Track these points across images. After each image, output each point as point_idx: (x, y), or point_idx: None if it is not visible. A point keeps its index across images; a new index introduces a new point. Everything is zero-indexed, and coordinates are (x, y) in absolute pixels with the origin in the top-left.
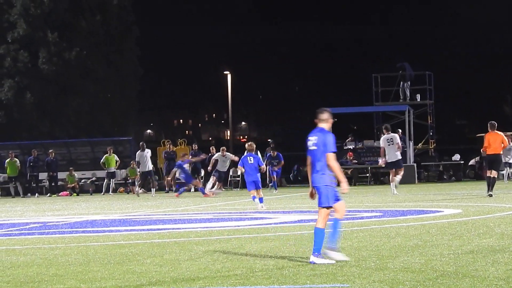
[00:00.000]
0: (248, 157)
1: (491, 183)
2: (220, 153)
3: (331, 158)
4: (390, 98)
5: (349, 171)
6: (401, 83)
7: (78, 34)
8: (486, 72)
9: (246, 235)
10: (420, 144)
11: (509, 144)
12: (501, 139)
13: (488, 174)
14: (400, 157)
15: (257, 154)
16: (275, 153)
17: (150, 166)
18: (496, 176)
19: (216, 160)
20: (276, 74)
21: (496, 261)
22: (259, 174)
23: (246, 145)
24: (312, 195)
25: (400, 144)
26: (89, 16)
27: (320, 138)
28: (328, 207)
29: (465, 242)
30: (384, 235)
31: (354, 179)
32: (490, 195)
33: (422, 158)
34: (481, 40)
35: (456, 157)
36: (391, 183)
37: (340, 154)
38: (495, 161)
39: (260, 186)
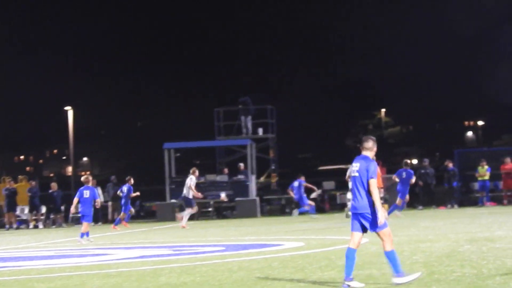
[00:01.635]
0: (84, 190)
1: None
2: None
3: (373, 184)
4: (232, 132)
5: None
6: (243, 117)
7: None
8: (328, 106)
9: (87, 272)
10: (262, 177)
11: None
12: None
13: None
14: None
15: (95, 187)
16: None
17: None
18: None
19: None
20: (119, 110)
21: None
22: (92, 208)
23: (82, 178)
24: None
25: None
26: None
27: (363, 165)
28: (386, 228)
29: (307, 275)
30: (226, 270)
31: (197, 213)
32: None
33: (265, 191)
34: (324, 74)
35: None
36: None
37: (183, 189)
38: None
39: (91, 220)
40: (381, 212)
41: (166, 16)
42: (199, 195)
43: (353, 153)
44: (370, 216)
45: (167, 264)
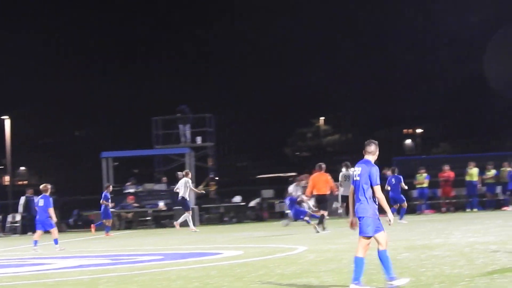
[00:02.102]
0: (40, 199)
1: (319, 221)
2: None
3: (377, 190)
4: (171, 141)
5: (129, 215)
6: (181, 126)
7: None
8: (266, 114)
9: (25, 282)
10: (201, 186)
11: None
12: (326, 179)
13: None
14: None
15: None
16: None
17: None
18: (324, 215)
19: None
20: (56, 120)
21: None
22: (48, 217)
23: (41, 186)
24: (352, 225)
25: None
26: None
27: (364, 169)
28: (368, 237)
29: (245, 284)
30: (165, 279)
31: (135, 222)
32: (317, 232)
33: (203, 200)
34: (262, 83)
35: (237, 198)
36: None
37: (121, 198)
38: (321, 201)
39: (45, 228)
40: (391, 214)
41: (100, 24)
42: (200, 191)
43: (291, 161)
44: (366, 221)
45: (105, 274)
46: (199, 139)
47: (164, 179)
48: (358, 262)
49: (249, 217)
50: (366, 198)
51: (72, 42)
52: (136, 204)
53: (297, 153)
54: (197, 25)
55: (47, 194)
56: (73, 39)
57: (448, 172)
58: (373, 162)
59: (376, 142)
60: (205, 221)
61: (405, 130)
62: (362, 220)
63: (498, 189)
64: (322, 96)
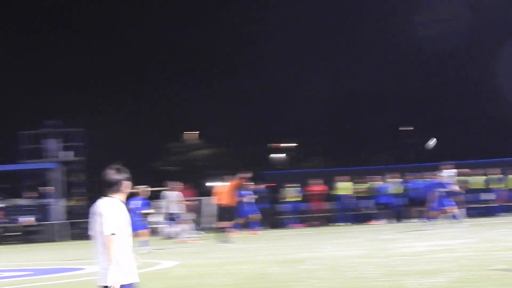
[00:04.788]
0: (134, 201)
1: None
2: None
3: None
4: (40, 156)
5: None
6: (51, 140)
7: None
8: (137, 128)
9: None
10: (71, 201)
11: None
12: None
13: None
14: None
15: None
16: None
17: None
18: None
19: None
20: None
21: None
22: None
23: (137, 190)
24: None
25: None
26: None
27: None
28: None
29: None
30: None
31: (3, 238)
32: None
33: (74, 215)
34: (131, 97)
35: None
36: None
37: None
38: (223, 212)
39: (138, 229)
40: None
41: None
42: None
43: (161, 175)
44: None
45: None
46: (68, 154)
47: (33, 194)
48: None
49: None
50: None
51: None
52: (6, 220)
53: (167, 167)
54: (69, 38)
55: (144, 197)
56: None
57: (318, 186)
58: None
59: None
60: (76, 236)
61: (274, 145)
62: None
63: (370, 202)
64: (188, 109)
